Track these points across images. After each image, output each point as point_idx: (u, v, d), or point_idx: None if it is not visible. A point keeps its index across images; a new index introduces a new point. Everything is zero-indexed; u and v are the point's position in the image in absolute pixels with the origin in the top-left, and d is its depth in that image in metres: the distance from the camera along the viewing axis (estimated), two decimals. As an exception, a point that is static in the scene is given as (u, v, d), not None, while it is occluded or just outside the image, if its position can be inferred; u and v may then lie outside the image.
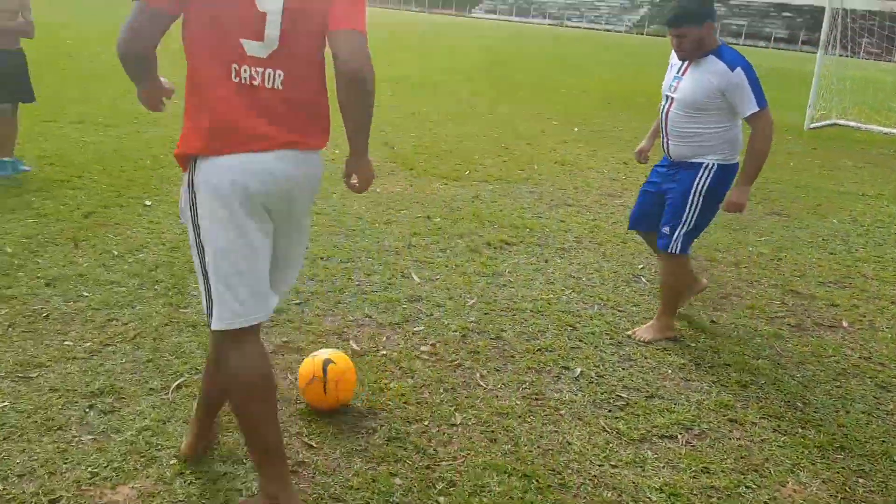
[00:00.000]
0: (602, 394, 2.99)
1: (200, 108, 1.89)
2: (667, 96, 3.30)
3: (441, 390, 2.92)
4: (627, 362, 3.28)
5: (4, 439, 2.35)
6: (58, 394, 2.62)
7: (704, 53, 3.14)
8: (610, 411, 2.87)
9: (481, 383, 3.00)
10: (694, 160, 3.25)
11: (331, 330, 3.32)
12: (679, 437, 2.73)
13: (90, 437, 2.41)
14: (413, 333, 3.37)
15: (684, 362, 3.31)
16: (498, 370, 3.12)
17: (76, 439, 2.39)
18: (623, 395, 2.99)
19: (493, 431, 2.66)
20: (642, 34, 59.17)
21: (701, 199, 3.25)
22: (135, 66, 1.93)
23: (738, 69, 3.07)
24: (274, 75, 1.89)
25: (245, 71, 1.86)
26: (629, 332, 3.56)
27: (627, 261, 4.60)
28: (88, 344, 2.99)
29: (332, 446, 2.50)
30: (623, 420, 2.80)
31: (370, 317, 3.50)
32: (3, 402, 2.54)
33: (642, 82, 16.08)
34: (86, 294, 3.43)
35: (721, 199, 3.30)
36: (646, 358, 3.32)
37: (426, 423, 2.69)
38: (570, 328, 3.57)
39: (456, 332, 3.42)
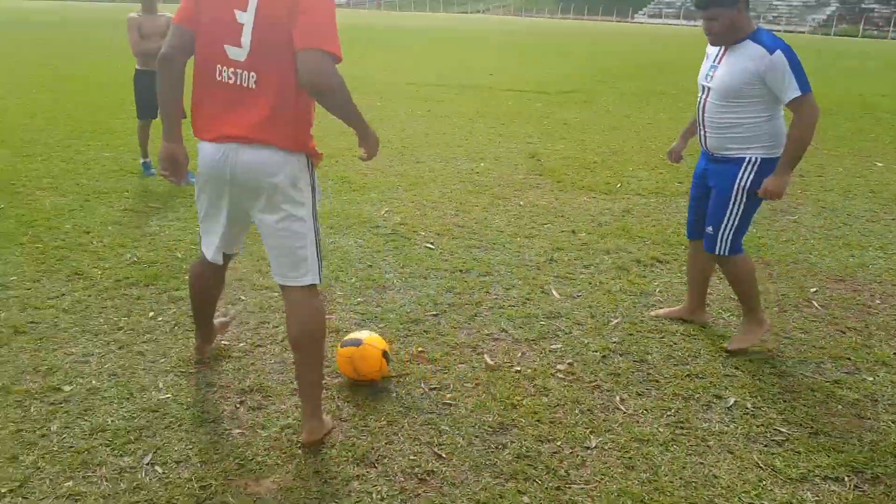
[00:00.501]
0: (758, 427, 2.74)
1: (194, 99, 2.38)
2: (703, 86, 3.13)
3: (577, 411, 2.81)
4: (789, 394, 2.98)
5: (166, 428, 2.57)
6: (213, 389, 2.84)
7: (740, 39, 2.97)
8: (766, 446, 2.62)
9: (621, 407, 2.85)
10: (735, 154, 3.08)
11: (465, 343, 3.32)
12: (846, 479, 2.44)
13: (239, 430, 2.58)
14: (550, 351, 3.29)
15: (858, 398, 2.95)
16: (640, 394, 2.95)
17: (227, 432, 2.57)
18: (783, 429, 2.72)
19: (630, 458, 2.52)
20: (829, 35, 54.38)
21: (745, 196, 3.10)
22: (168, 76, 2.37)
23: (778, 52, 2.88)
24: (248, 76, 2.27)
25: (225, 71, 2.28)
26: (725, 346, 3.35)
27: (797, 282, 4.20)
28: (242, 344, 3.21)
29: (462, 458, 2.48)
30: (780, 457, 2.55)
31: (506, 331, 3.46)
32: (167, 394, 2.79)
33: (826, 86, 14.76)
34: (242, 298, 3.69)
35: None
36: (813, 391, 2.99)
37: (559, 443, 2.60)
38: (724, 354, 3.31)
39: (596, 352, 3.29)
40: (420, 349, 3.24)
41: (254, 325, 3.39)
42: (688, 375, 3.11)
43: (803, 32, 56.35)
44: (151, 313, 3.46)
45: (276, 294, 3.74)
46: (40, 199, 5.16)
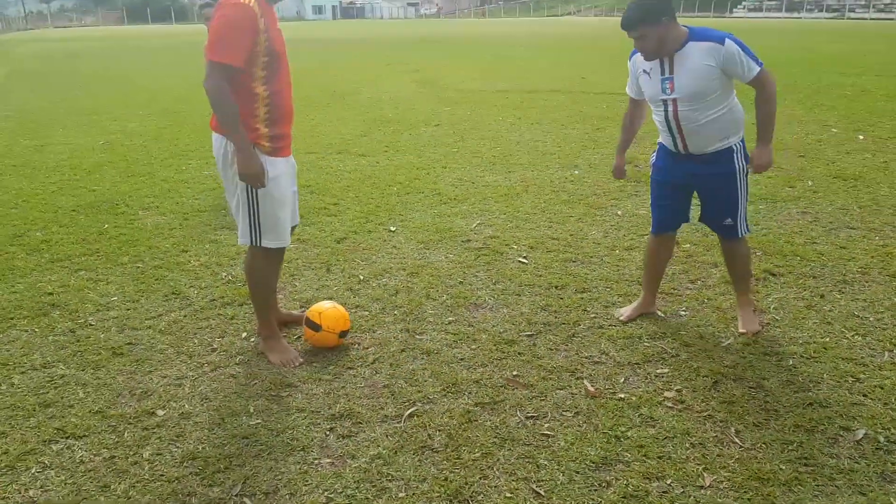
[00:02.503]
0: (893, 464, 2.44)
1: None
2: (664, 101, 3.15)
3: (687, 444, 2.57)
4: (930, 426, 2.64)
5: (255, 457, 2.53)
6: (303, 414, 2.78)
7: (681, 45, 3.05)
8: (904, 487, 2.31)
9: (736, 440, 2.59)
10: (722, 147, 3.20)
11: (563, 366, 3.13)
12: None
13: (328, 460, 2.50)
14: (656, 376, 3.05)
15: None
16: (758, 426, 2.67)
17: (316, 461, 2.50)
18: (923, 468, 2.40)
19: (749, 499, 2.28)
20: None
21: (745, 178, 3.29)
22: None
23: (727, 40, 3.00)
24: None
25: None
26: (741, 331, 3.40)
27: (936, 297, 3.77)
28: (332, 367, 3.15)
29: (562, 496, 2.31)
30: (923, 502, 2.23)
31: (607, 354, 3.24)
32: (257, 419, 2.75)
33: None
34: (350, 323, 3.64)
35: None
36: (959, 425, 2.63)
37: (668, 481, 2.37)
38: (851, 379, 2.98)
39: (707, 377, 3.02)
40: (515, 373, 3.07)
41: (344, 347, 3.32)
42: (810, 404, 2.80)
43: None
44: (244, 334, 3.46)
45: (367, 313, 3.68)
46: (142, 218, 5.35)
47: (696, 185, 3.36)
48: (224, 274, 4.22)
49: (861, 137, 8.07)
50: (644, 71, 3.20)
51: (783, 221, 5.10)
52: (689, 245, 4.62)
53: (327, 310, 3.25)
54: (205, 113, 11.00)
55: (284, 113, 2.97)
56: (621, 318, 3.59)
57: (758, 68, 3.04)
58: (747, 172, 3.28)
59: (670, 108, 3.15)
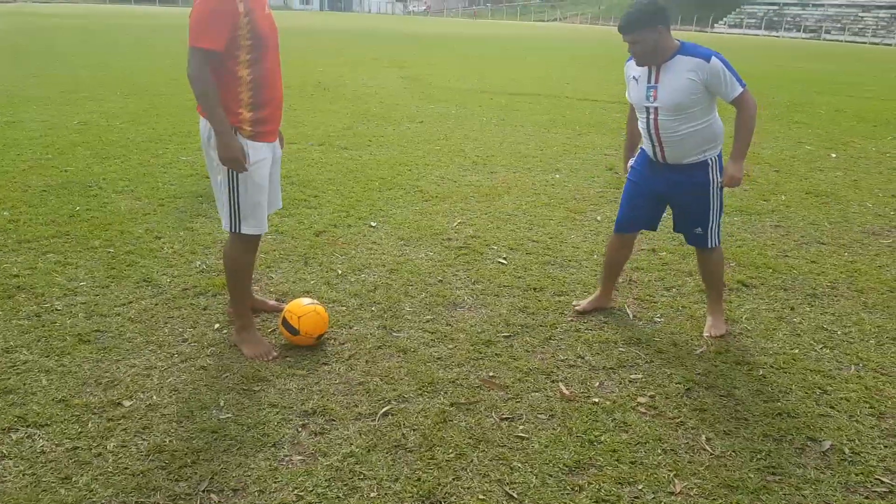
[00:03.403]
0: (857, 475, 2.48)
1: None
2: (647, 108, 3.25)
3: (659, 451, 2.59)
4: (892, 438, 2.71)
5: (224, 451, 2.48)
6: (275, 410, 2.73)
7: (670, 56, 3.14)
8: (867, 497, 2.37)
9: (707, 447, 2.62)
10: (698, 160, 3.28)
11: (539, 368, 3.13)
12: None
13: (300, 457, 2.47)
14: (629, 381, 3.06)
15: (979, 451, 2.62)
16: (728, 434, 2.71)
17: (287, 458, 2.46)
18: (885, 479, 2.47)
19: (719, 507, 2.29)
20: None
21: (719, 191, 3.36)
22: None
23: (713, 58, 3.09)
24: None
25: None
26: (705, 334, 3.50)
27: (895, 313, 3.85)
28: (307, 362, 3.11)
29: (535, 499, 2.31)
30: (885, 513, 2.27)
31: (582, 357, 3.25)
32: (228, 413, 2.70)
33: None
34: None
35: None
36: (922, 439, 2.69)
37: (640, 486, 2.39)
38: (818, 391, 3.03)
39: (679, 384, 3.05)
40: (491, 374, 3.07)
41: (320, 342, 3.29)
42: (779, 414, 2.85)
43: (891, 45, 53.44)
44: (217, 325, 3.40)
45: (344, 308, 3.65)
46: (115, 202, 5.24)
47: (669, 196, 3.45)
48: (198, 263, 4.15)
49: (833, 156, 8.24)
50: (634, 77, 3.29)
51: (757, 234, 5.17)
52: (665, 253, 4.66)
53: (307, 314, 3.16)
54: (186, 97, 10.82)
55: (270, 98, 2.95)
56: (577, 308, 3.69)
57: (741, 89, 3.13)
58: (721, 186, 3.35)
59: (652, 116, 3.24)
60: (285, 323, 3.17)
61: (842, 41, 56.03)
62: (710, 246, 3.46)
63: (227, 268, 3.18)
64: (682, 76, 3.12)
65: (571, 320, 3.62)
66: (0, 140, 7.08)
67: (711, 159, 3.30)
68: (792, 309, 3.88)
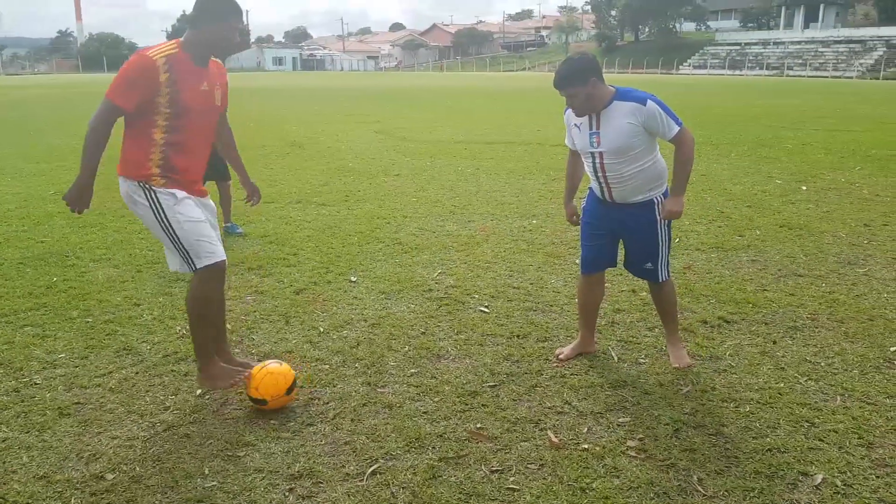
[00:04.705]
0: (852, 509, 2.46)
1: None
2: (591, 153, 3.38)
3: (651, 494, 2.57)
4: (883, 468, 2.71)
5: (211, 520, 2.42)
6: (261, 475, 2.68)
7: (608, 103, 3.27)
8: (864, 532, 2.34)
9: (699, 488, 2.60)
10: (644, 199, 3.42)
11: (527, 417, 3.11)
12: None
13: (287, 522, 2.41)
14: (618, 425, 3.05)
15: (969, 477, 2.63)
16: (719, 473, 2.69)
17: (274, 524, 2.40)
18: (881, 512, 2.44)
19: (715, 550, 2.27)
20: (877, 79, 53.23)
21: (666, 227, 3.50)
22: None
23: (649, 101, 3.22)
24: None
25: None
26: (674, 365, 3.56)
27: (876, 342, 3.89)
28: (291, 423, 3.07)
29: (528, 554, 2.26)
30: (884, 549, 2.26)
31: (569, 403, 3.24)
32: (213, 481, 2.65)
33: (883, 132, 14.30)
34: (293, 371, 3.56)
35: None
36: (912, 466, 2.69)
37: (635, 533, 2.36)
38: (806, 424, 3.03)
39: (668, 424, 3.04)
40: (479, 426, 3.04)
41: (303, 402, 3.25)
42: (769, 450, 2.84)
43: (851, 78, 55.29)
44: (199, 391, 3.35)
45: (327, 367, 3.62)
46: (93, 270, 5.20)
47: (619, 232, 3.58)
48: (178, 328, 4.10)
49: (804, 188, 8.42)
50: (575, 125, 3.44)
51: (734, 269, 5.24)
52: (645, 293, 4.68)
53: (261, 380, 3.07)
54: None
55: (186, 165, 3.09)
56: (560, 356, 3.69)
57: (677, 127, 3.26)
58: (668, 222, 3.48)
59: (597, 160, 3.38)
60: (252, 399, 3.12)
61: (804, 76, 57.85)
62: (660, 280, 3.56)
63: (192, 312, 3.16)
64: (622, 121, 3.25)
65: (557, 366, 3.62)
66: (-25, 214, 7.03)
67: (657, 198, 3.43)
68: (774, 343, 3.91)
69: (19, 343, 3.88)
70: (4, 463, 2.76)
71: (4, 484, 2.62)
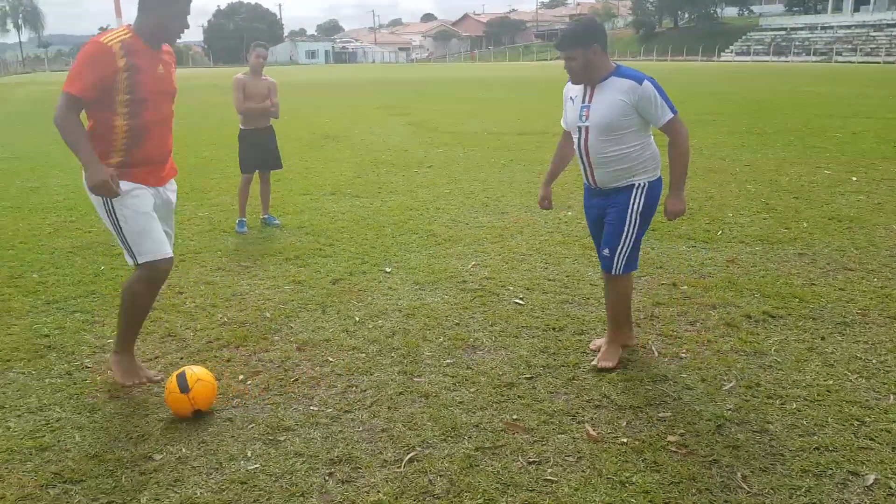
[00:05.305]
0: (907, 511, 2.37)
1: None
2: (579, 128, 3.28)
3: (693, 490, 2.52)
4: (941, 471, 2.60)
5: (254, 501, 2.46)
6: (302, 459, 2.72)
7: (605, 76, 3.18)
8: (921, 536, 2.26)
9: (743, 485, 2.55)
10: (625, 183, 3.28)
11: (564, 409, 3.08)
12: None
13: (327, 507, 2.44)
14: (658, 420, 3.01)
15: None
16: (764, 470, 2.63)
17: (314, 509, 2.43)
18: (938, 515, 2.35)
19: (759, 548, 2.22)
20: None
21: (638, 218, 3.31)
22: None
23: (646, 82, 3.12)
24: None
25: None
26: (593, 363, 3.43)
27: (934, 339, 3.76)
28: (330, 410, 3.10)
29: (566, 546, 2.25)
30: (939, 552, 2.18)
31: (608, 397, 3.20)
32: (255, 463, 2.69)
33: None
34: (331, 359, 3.60)
35: (653, 214, 3.38)
36: (970, 470, 2.59)
37: (675, 528, 2.32)
38: (857, 423, 2.94)
39: (710, 420, 2.98)
40: (515, 417, 3.03)
41: (341, 389, 3.28)
42: (816, 448, 2.76)
43: (906, 63, 53.26)
44: (241, 376, 3.41)
45: (363, 355, 3.64)
46: (139, 259, 5.31)
47: (604, 219, 3.43)
48: (220, 315, 4.18)
49: (854, 179, 8.15)
50: (571, 98, 3.35)
51: (780, 263, 5.11)
52: (686, 287, 4.61)
53: (203, 384, 2.98)
54: (200, 156, 11.07)
55: (149, 150, 3.09)
56: (592, 347, 3.66)
57: (671, 115, 3.17)
58: (645, 214, 3.32)
59: (583, 136, 3.28)
60: (181, 377, 2.97)
61: (854, 62, 55.85)
62: (613, 272, 3.38)
63: (124, 301, 3.20)
64: (615, 97, 3.16)
65: (594, 359, 3.57)
66: (26, 205, 7.27)
67: (640, 184, 3.28)
68: (822, 339, 3.80)
69: (70, 328, 4.00)
70: (59, 442, 2.85)
71: (60, 461, 2.71)
